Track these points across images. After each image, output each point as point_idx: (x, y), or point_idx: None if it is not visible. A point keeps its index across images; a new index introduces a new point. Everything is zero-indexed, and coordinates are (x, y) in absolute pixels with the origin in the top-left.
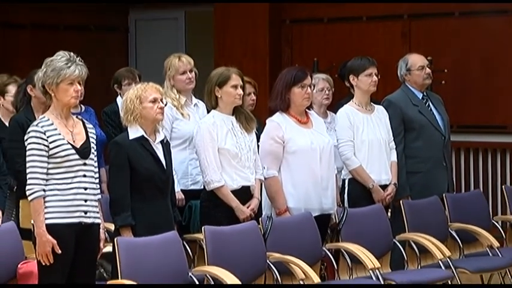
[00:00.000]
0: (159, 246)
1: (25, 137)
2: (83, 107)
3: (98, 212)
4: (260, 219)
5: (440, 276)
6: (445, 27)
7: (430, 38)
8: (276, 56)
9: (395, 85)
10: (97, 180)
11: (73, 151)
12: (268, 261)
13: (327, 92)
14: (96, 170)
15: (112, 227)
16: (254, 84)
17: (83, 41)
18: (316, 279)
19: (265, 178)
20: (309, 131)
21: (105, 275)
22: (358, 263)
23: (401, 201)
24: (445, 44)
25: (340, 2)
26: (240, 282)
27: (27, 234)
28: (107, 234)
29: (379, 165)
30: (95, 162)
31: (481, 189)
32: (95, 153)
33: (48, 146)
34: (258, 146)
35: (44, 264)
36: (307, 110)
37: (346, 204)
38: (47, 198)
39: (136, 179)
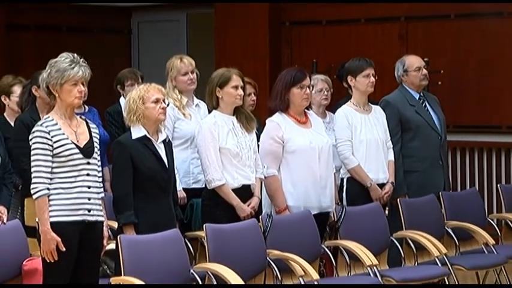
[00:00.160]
0: (161, 244)
1: (30, 137)
2: (86, 107)
3: (101, 210)
4: (260, 217)
5: (436, 273)
6: (442, 29)
7: (426, 39)
8: (276, 57)
9: (393, 86)
10: (100, 179)
11: (77, 150)
12: (268, 258)
13: (325, 92)
14: (100, 169)
15: (115, 224)
16: (254, 85)
17: (87, 42)
18: (315, 276)
19: (265, 177)
20: (308, 130)
21: (108, 271)
22: (357, 260)
23: (398, 200)
24: (441, 46)
25: (339, 3)
26: (240, 279)
27: (32, 232)
28: (110, 232)
29: (377, 165)
30: (98, 161)
31: (477, 188)
32: (98, 152)
33: (52, 146)
34: (258, 145)
35: (48, 261)
36: (306, 110)
37: (344, 203)
38: (51, 197)
39: (139, 178)
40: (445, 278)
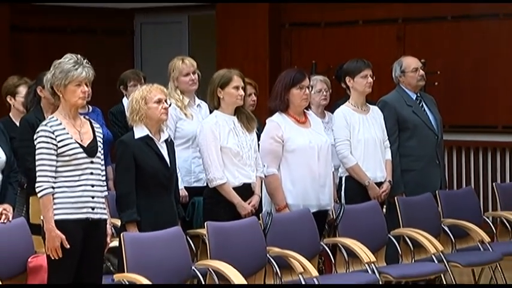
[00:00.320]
0: (163, 241)
1: (35, 136)
2: (90, 107)
3: (104, 208)
4: (260, 215)
5: (433, 269)
6: (438, 30)
7: (423, 41)
8: (276, 58)
9: (390, 86)
10: (104, 178)
11: (80, 150)
12: (268, 255)
13: (324, 93)
14: (103, 168)
15: (118, 222)
16: (255, 86)
17: (90, 43)
18: (314, 273)
19: (265, 176)
20: (307, 130)
21: (111, 268)
22: (355, 257)
23: (396, 198)
24: (438, 47)
25: (338, 6)
26: (241, 276)
27: (37, 229)
28: (113, 229)
29: (375, 164)
30: (102, 160)
31: (473, 186)
32: (102, 151)
33: (56, 145)
34: (259, 144)
35: (52, 258)
36: (305, 110)
37: (343, 201)
38: (55, 195)
39: (142, 176)
40: (442, 275)
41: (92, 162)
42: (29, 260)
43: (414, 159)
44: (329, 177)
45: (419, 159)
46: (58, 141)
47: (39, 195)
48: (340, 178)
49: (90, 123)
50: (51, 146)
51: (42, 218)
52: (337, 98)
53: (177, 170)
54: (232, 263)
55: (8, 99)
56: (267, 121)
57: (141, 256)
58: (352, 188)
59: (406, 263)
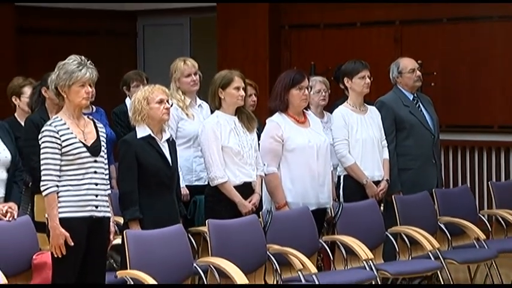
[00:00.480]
0: (165, 239)
1: (39, 136)
2: (94, 107)
3: (108, 206)
4: (260, 213)
5: (429, 266)
6: (435, 32)
7: (420, 42)
8: (276, 59)
9: (388, 87)
10: (107, 177)
11: (84, 149)
12: (268, 252)
13: (323, 93)
14: (106, 166)
15: (121, 220)
16: (255, 86)
17: (94, 45)
18: (313, 270)
19: (265, 174)
20: (306, 130)
21: (114, 265)
22: (353, 254)
23: (393, 196)
24: (434, 49)
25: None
26: (241, 273)
27: (42, 227)
28: (116, 227)
29: (372, 163)
30: (105, 159)
31: (468, 185)
32: (105, 151)
33: (61, 145)
34: (259, 144)
35: (57, 255)
36: (304, 110)
37: (341, 199)
38: (60, 194)
39: (144, 175)
40: (438, 272)
41: (95, 161)
42: (34, 257)
43: (411, 159)
44: (328, 175)
45: (416, 159)
46: (62, 141)
47: (44, 193)
48: (339, 177)
49: (94, 123)
50: (55, 145)
51: (46, 216)
52: (335, 98)
53: (179, 169)
54: (233, 260)
55: (13, 100)
56: (267, 121)
57: (144, 253)
58: (351, 186)
59: (403, 260)
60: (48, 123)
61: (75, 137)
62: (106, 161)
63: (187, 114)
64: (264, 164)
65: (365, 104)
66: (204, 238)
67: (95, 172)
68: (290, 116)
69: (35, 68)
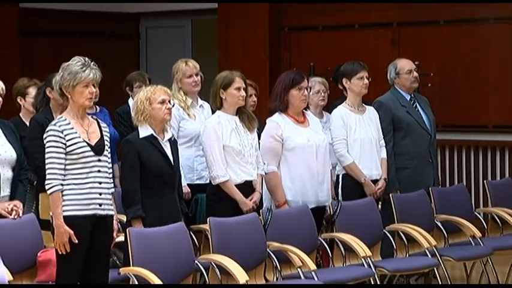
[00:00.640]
0: (167, 236)
1: (44, 136)
2: (97, 107)
3: (111, 205)
4: (261, 211)
5: (426, 263)
6: (431, 34)
7: (417, 44)
8: (275, 60)
9: (385, 88)
10: (111, 175)
11: (88, 148)
12: (268, 250)
13: (322, 94)
14: (110, 165)
15: (124, 218)
16: (255, 87)
17: (97, 46)
18: (312, 267)
19: (265, 173)
20: (305, 129)
21: (118, 262)
22: (351, 251)
23: (390, 195)
24: (431, 50)
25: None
26: (242, 269)
27: (46, 225)
28: (119, 225)
29: (371, 162)
30: (109, 158)
31: (464, 184)
32: (109, 150)
33: (65, 144)
34: (259, 143)
35: (61, 252)
36: (304, 110)
37: (340, 198)
38: (64, 192)
39: (146, 174)
40: (435, 269)
41: (99, 160)
42: (39, 254)
43: (408, 158)
44: (327, 174)
45: (413, 158)
46: (67, 140)
47: (48, 192)
48: (338, 176)
49: (98, 122)
50: (60, 144)
51: (51, 214)
52: (334, 98)
53: (180, 168)
54: (234, 257)
55: (18, 100)
56: (267, 121)
57: (146, 250)
58: (349, 185)
59: (400, 257)
60: (53, 123)
61: (79, 137)
62: (110, 160)
63: (188, 114)
64: (264, 163)
65: (363, 104)
66: (205, 236)
67: (99, 171)
68: (290, 116)
69: (39, 69)
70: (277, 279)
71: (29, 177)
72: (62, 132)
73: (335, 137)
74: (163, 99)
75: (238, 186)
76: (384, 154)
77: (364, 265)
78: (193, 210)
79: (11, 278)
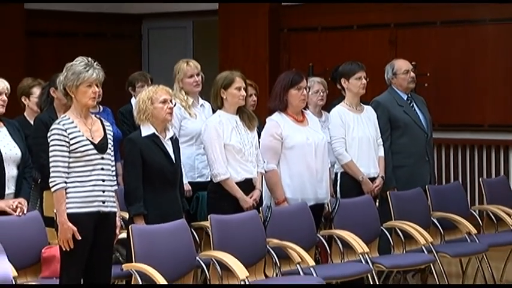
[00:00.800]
0: (169, 233)
1: (48, 134)
2: (101, 107)
3: (114, 202)
4: (260, 208)
5: (423, 260)
6: (428, 35)
7: (414, 45)
8: (275, 61)
9: (383, 88)
10: (114, 173)
11: (91, 146)
12: (267, 246)
13: (321, 93)
14: (113, 163)
15: (127, 215)
16: (255, 87)
17: (101, 47)
18: (311, 263)
19: (265, 171)
20: (305, 128)
21: (120, 258)
22: (349, 248)
23: (388, 192)
24: (427, 51)
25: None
26: (242, 265)
27: (50, 222)
28: (122, 222)
29: (368, 160)
30: (112, 156)
31: (460, 182)
32: (112, 148)
33: (69, 142)
34: (259, 142)
35: (65, 249)
36: (303, 110)
37: (338, 195)
38: (68, 190)
39: (148, 172)
40: (431, 265)
41: (102, 158)
42: (43, 250)
43: (405, 156)
44: (326, 172)
45: (410, 156)
46: (70, 139)
47: (52, 189)
48: (336, 174)
49: (101, 121)
50: (63, 143)
51: (55, 211)
52: (333, 98)
53: (182, 166)
54: (234, 253)
55: (23, 100)
56: (267, 120)
57: (148, 247)
58: (347, 183)
59: (397, 253)
60: (57, 122)
61: (83, 135)
62: (113, 158)
63: (189, 114)
64: (264, 161)
65: (361, 104)
66: (206, 232)
67: (102, 169)
68: (289, 115)
69: (43, 69)
70: (276, 275)
71: (34, 175)
72: (66, 131)
73: (333, 135)
74: (164, 98)
75: (238, 184)
76: (382, 152)
77: (362, 261)
78: (194, 207)
79: (15, 274)
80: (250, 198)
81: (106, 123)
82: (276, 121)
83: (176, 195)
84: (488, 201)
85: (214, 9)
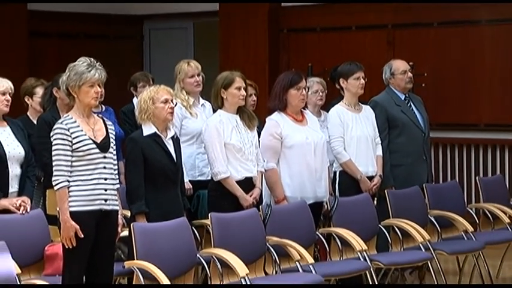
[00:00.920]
0: (170, 231)
1: (51, 134)
2: (103, 106)
3: (116, 200)
4: (260, 206)
5: (420, 257)
6: (425, 36)
7: (411, 45)
8: (275, 61)
9: (381, 88)
10: (116, 172)
11: (94, 146)
12: (267, 244)
13: (320, 93)
14: (115, 162)
15: (129, 213)
16: (255, 87)
17: (103, 48)
18: (310, 260)
19: (265, 170)
20: (304, 128)
21: (122, 256)
22: (348, 245)
23: (386, 191)
24: (425, 51)
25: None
26: (242, 263)
27: (53, 220)
28: (124, 220)
29: (366, 159)
30: (114, 155)
31: (457, 180)
32: (114, 147)
33: (71, 142)
34: (259, 141)
35: (67, 247)
36: (302, 109)
37: (337, 194)
38: (71, 188)
39: (150, 171)
40: (428, 262)
41: (104, 157)
42: (46, 248)
43: (403, 155)
44: (325, 171)
45: (408, 155)
46: (73, 138)
47: (55, 188)
48: (335, 172)
49: (103, 121)
50: (66, 142)
51: (58, 209)
52: (332, 98)
53: (183, 165)
54: (234, 251)
55: (26, 99)
56: (266, 119)
57: (150, 244)
58: (346, 181)
59: (395, 251)
60: (60, 121)
61: (85, 134)
62: (115, 157)
63: (190, 113)
64: (264, 160)
65: (360, 104)
66: (207, 230)
67: (104, 167)
68: (289, 115)
69: (46, 69)
70: (276, 272)
71: (37, 173)
72: (68, 130)
73: (332, 135)
74: (166, 98)
75: (238, 182)
76: (380, 151)
77: (360, 259)
78: (195, 205)
79: (19, 271)
80: (250, 196)
81: (108, 123)
82: (276, 121)
83: (177, 193)
84: (484, 200)
85: (215, 11)
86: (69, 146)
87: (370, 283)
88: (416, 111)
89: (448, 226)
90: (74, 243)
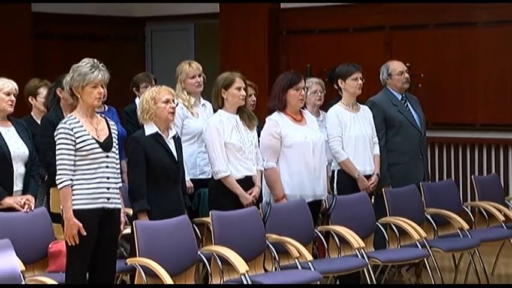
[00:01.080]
0: (171, 229)
1: (55, 133)
2: (106, 106)
3: (119, 199)
4: (260, 205)
5: (417, 254)
6: (422, 37)
7: (408, 47)
8: (274, 62)
9: (378, 88)
10: (118, 171)
11: (97, 145)
12: (267, 241)
13: (319, 94)
14: (118, 161)
15: (131, 211)
16: (255, 87)
17: (106, 49)
18: (309, 257)
19: (265, 169)
20: (303, 127)
21: (124, 253)
22: (346, 243)
23: (383, 189)
24: (421, 52)
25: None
26: (242, 260)
27: (57, 218)
28: (126, 218)
29: (364, 158)
30: (117, 154)
31: (453, 179)
32: (117, 147)
33: (75, 141)
34: (259, 141)
35: (70, 244)
36: (301, 109)
37: (335, 192)
38: (74, 187)
39: (152, 169)
40: (425, 259)
41: (107, 156)
42: (50, 245)
43: (400, 154)
44: (323, 170)
45: (405, 154)
46: (76, 138)
47: (59, 186)
48: (333, 171)
49: (106, 120)
50: (70, 142)
51: (61, 207)
52: (330, 98)
53: (184, 164)
54: (235, 248)
55: (30, 100)
56: (266, 119)
57: (152, 242)
58: (344, 180)
59: (392, 248)
60: (63, 121)
61: (88, 134)
62: (117, 156)
63: (191, 113)
64: (264, 160)
65: (357, 104)
66: (207, 228)
67: (107, 166)
68: (288, 115)
69: (50, 70)
70: (275, 269)
71: (41, 172)
72: (72, 130)
73: (331, 134)
74: (167, 98)
75: (238, 181)
76: (377, 151)
77: (358, 256)
78: (196, 204)
79: (23, 268)
80: (250, 195)
81: (111, 123)
82: (275, 120)
83: (178, 192)
84: (480, 198)
85: (216, 13)
86: (73, 145)
87: (368, 280)
88: (413, 111)
89: (444, 224)
90: (77, 240)
